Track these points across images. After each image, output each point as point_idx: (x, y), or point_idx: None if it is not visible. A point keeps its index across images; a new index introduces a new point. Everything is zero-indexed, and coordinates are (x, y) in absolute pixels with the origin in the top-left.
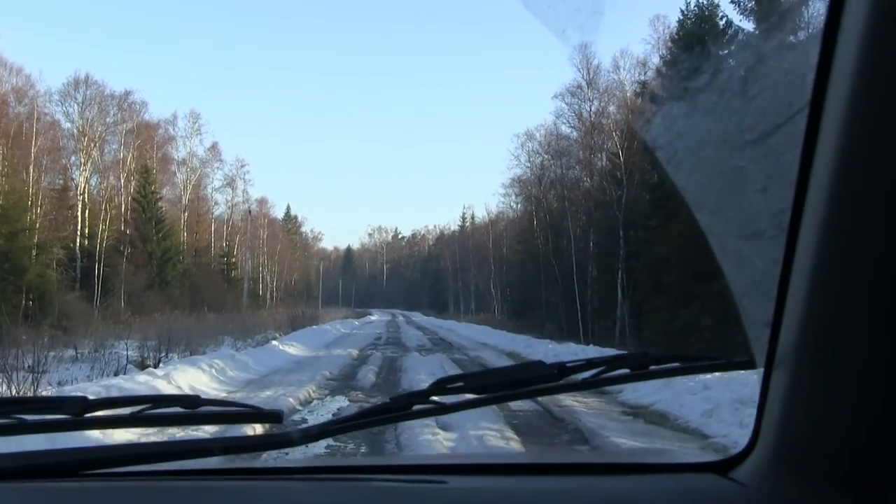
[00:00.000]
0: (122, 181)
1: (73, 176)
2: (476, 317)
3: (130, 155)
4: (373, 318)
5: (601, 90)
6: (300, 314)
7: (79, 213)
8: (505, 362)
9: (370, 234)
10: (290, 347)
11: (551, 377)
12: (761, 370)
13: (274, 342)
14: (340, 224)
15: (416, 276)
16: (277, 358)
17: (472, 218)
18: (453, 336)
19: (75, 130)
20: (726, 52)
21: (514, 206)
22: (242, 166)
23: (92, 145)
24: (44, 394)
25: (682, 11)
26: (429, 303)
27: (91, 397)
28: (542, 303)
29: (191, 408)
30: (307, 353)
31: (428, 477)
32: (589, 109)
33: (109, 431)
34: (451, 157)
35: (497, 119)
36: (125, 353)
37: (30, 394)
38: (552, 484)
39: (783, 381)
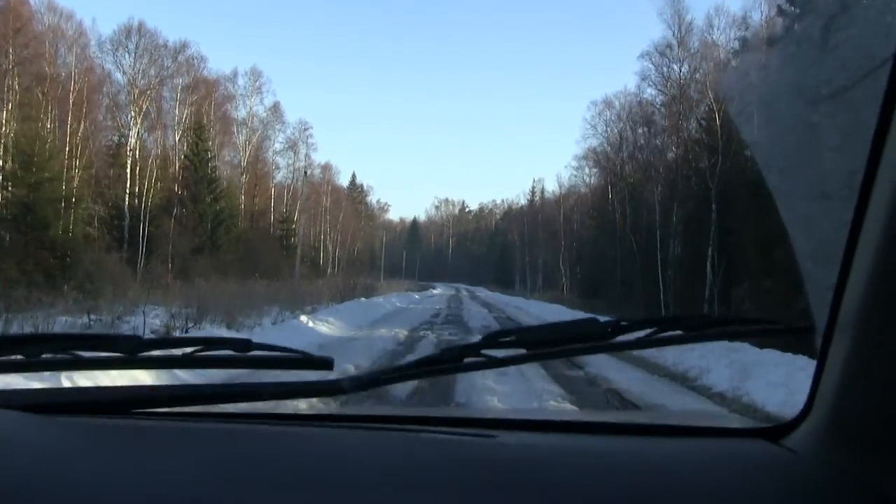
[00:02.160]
0: (177, 138)
1: (128, 132)
2: (544, 294)
3: (186, 111)
4: (435, 291)
5: (693, 50)
6: (351, 285)
7: (128, 170)
8: (600, 361)
9: (437, 207)
10: (324, 325)
11: (605, 335)
12: (820, 336)
13: (303, 318)
14: (407, 195)
15: (483, 250)
16: (296, 342)
17: (542, 192)
18: (524, 315)
19: (125, 81)
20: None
21: (588, 180)
22: (305, 129)
23: (143, 98)
24: None
25: None
26: (494, 278)
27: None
28: (617, 281)
29: (242, 351)
30: (341, 333)
31: (478, 430)
32: (679, 70)
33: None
34: (522, 129)
35: (571, 87)
36: (149, 321)
37: None
38: (601, 443)
39: (843, 349)
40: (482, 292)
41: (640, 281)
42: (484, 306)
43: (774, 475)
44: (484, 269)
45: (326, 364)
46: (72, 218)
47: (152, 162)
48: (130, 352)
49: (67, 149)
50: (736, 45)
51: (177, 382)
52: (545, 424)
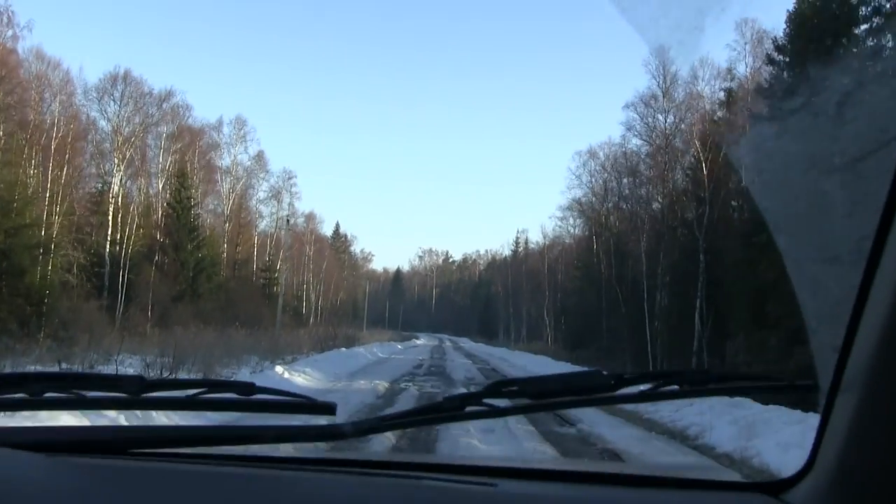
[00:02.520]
0: (161, 186)
1: (111, 180)
2: (528, 345)
3: (170, 159)
4: (418, 342)
5: (678, 101)
6: (332, 334)
7: (110, 218)
8: (593, 417)
9: (420, 257)
10: (301, 377)
11: (608, 387)
12: (824, 396)
13: (278, 368)
14: (391, 245)
15: (466, 301)
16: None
17: (526, 243)
18: (507, 367)
19: (110, 129)
20: (824, 74)
21: (572, 230)
22: (289, 178)
23: (127, 146)
24: None
25: (785, 26)
26: (478, 329)
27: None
28: (602, 332)
29: (245, 394)
30: (318, 385)
31: (477, 478)
32: (664, 121)
33: (163, 413)
34: (506, 179)
35: (556, 138)
36: (123, 370)
37: None
38: (602, 493)
39: (848, 408)
40: (466, 343)
41: (626, 332)
42: (467, 357)
43: None
44: (467, 320)
45: (329, 409)
46: (49, 265)
47: (134, 209)
48: (134, 392)
49: (48, 195)
50: (721, 95)
51: (179, 424)
52: (545, 473)
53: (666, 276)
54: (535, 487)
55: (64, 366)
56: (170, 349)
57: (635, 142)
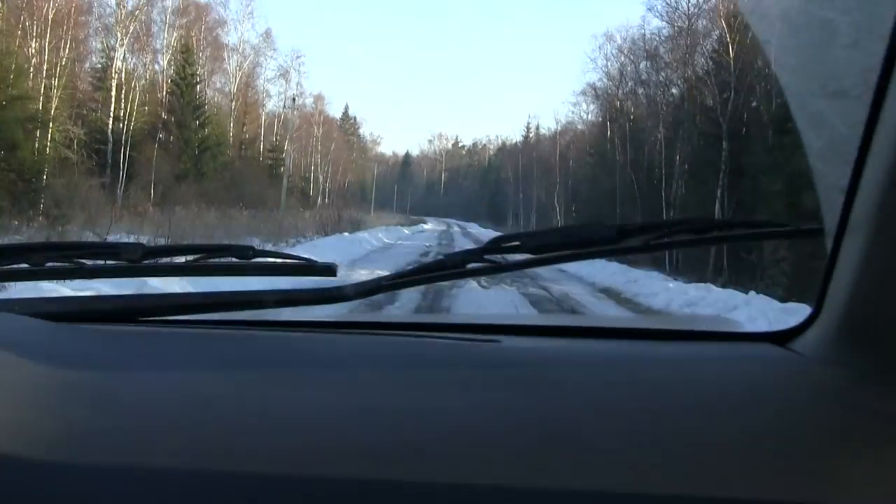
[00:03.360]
0: (165, 62)
1: (114, 55)
2: None
3: (175, 35)
4: (426, 226)
5: None
6: (336, 217)
7: (113, 93)
8: (607, 307)
9: (430, 141)
10: None
11: (611, 239)
12: (830, 239)
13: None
14: (400, 129)
15: (475, 186)
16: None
17: (538, 129)
18: None
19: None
20: None
21: (585, 116)
22: (298, 57)
23: (130, 19)
24: None
25: None
26: (487, 214)
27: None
28: (616, 220)
29: (244, 258)
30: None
31: (482, 336)
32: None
33: (166, 279)
34: (519, 64)
35: (571, 21)
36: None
37: None
38: (606, 346)
39: (854, 250)
40: (474, 228)
41: (640, 220)
42: (476, 244)
43: (782, 377)
44: (476, 205)
45: (329, 270)
46: (48, 140)
47: (134, 85)
48: (134, 260)
49: (45, 67)
50: None
51: (181, 290)
52: (549, 329)
53: (685, 164)
54: (537, 342)
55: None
56: (170, 228)
57: (656, 23)
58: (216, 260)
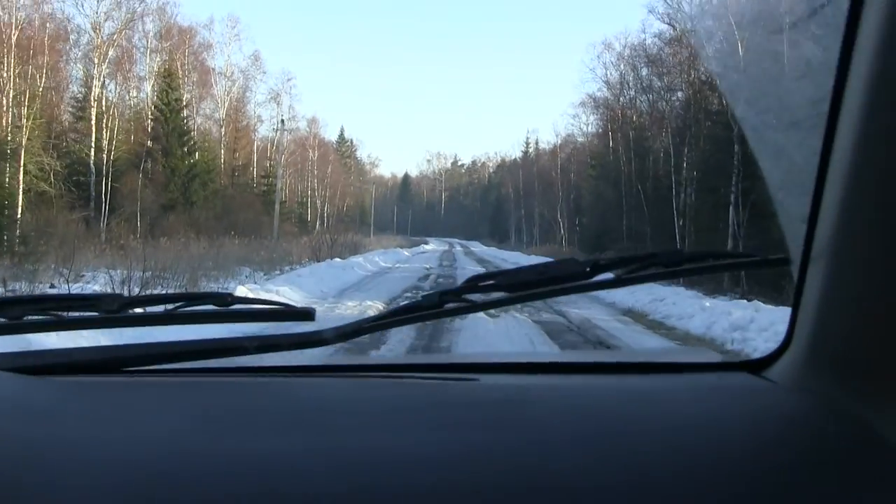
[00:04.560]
0: (149, 89)
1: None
2: (542, 248)
3: (158, 60)
4: (427, 247)
5: None
6: (329, 242)
7: (93, 123)
8: (639, 335)
9: (428, 161)
10: (276, 295)
11: (584, 274)
12: (796, 267)
13: (241, 289)
14: (398, 150)
15: (476, 204)
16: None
17: (537, 143)
18: None
19: (88, 25)
20: None
21: (585, 128)
22: (288, 80)
23: (108, 44)
24: None
25: None
26: (489, 232)
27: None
28: (623, 232)
29: (223, 305)
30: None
31: (461, 375)
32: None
33: (146, 329)
34: (515, 78)
35: (566, 32)
36: (93, 288)
37: None
38: (582, 381)
39: (819, 278)
40: (477, 247)
41: (650, 232)
42: (480, 263)
43: (757, 406)
44: (478, 224)
45: (308, 315)
46: (16, 171)
47: (114, 112)
48: (114, 310)
49: (13, 95)
50: None
51: (161, 340)
52: (526, 366)
53: (693, 170)
54: (513, 379)
55: (9, 287)
56: (154, 263)
57: (658, 26)
58: (195, 308)
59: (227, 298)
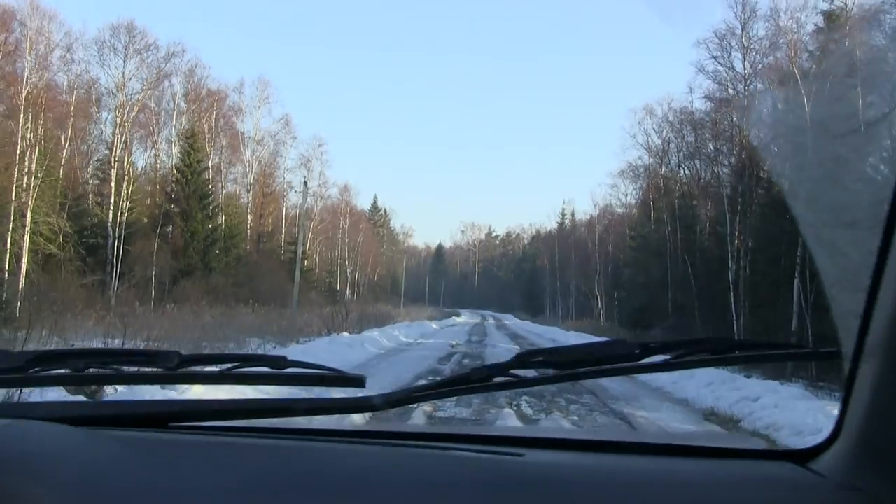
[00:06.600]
0: (175, 152)
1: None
2: (578, 322)
3: (184, 123)
4: (458, 319)
5: (759, 37)
6: (343, 314)
7: (113, 185)
8: None
9: (462, 232)
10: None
11: (633, 356)
12: (848, 362)
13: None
14: (431, 220)
15: (510, 276)
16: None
17: (573, 214)
18: None
19: (113, 84)
20: (836, 35)
21: (624, 198)
22: (320, 146)
23: (131, 106)
24: None
25: None
26: (523, 305)
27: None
28: (668, 308)
29: (277, 368)
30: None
31: (505, 448)
32: (743, 60)
33: (199, 387)
34: (551, 148)
35: (604, 99)
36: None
37: None
38: (627, 462)
39: (871, 374)
40: (510, 320)
41: (699, 309)
42: (514, 341)
43: (803, 499)
44: (512, 296)
45: (359, 382)
46: (25, 233)
47: (129, 171)
48: (171, 367)
49: (18, 153)
50: (815, 23)
51: (214, 398)
52: (572, 443)
53: (748, 240)
54: (559, 457)
55: None
56: (156, 331)
57: (707, 85)
58: (250, 369)
59: (280, 362)
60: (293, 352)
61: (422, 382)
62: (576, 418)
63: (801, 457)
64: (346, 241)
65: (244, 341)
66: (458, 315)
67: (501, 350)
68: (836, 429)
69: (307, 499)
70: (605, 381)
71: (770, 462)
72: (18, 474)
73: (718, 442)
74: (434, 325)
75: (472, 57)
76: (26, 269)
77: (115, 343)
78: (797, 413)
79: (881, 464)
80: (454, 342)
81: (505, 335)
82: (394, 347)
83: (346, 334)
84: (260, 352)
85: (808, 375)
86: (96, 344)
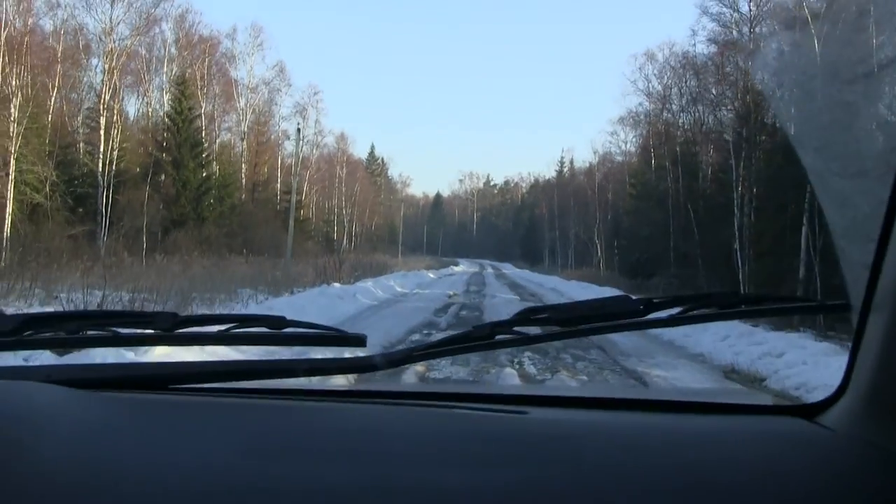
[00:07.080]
0: (166, 100)
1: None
2: (578, 271)
3: (176, 70)
4: (456, 269)
5: None
6: (336, 264)
7: (102, 133)
8: None
9: (460, 181)
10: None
11: (638, 312)
12: (856, 315)
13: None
14: (429, 169)
15: (509, 225)
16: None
17: (572, 162)
18: None
19: (100, 29)
20: None
21: (624, 146)
22: (315, 94)
23: (118, 51)
24: None
25: None
26: (521, 254)
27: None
28: (669, 257)
29: (276, 328)
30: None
31: (509, 407)
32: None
33: (197, 348)
34: (549, 96)
35: (603, 45)
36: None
37: None
38: (633, 419)
39: (880, 326)
40: (508, 269)
41: (700, 255)
42: (514, 290)
43: (812, 453)
44: (510, 245)
45: (359, 341)
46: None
47: (117, 119)
48: (167, 328)
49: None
50: None
51: (213, 359)
52: (576, 401)
53: (753, 187)
54: (563, 414)
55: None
56: (143, 282)
57: (710, 27)
58: (248, 329)
59: (280, 321)
60: (279, 304)
61: (416, 337)
62: (584, 378)
63: (809, 411)
64: (343, 190)
65: (235, 292)
66: (456, 264)
67: (501, 300)
68: (843, 382)
69: (309, 459)
70: (614, 336)
71: (778, 417)
72: (17, 435)
73: (726, 398)
74: (431, 275)
75: (470, 3)
76: (11, 219)
77: (98, 294)
78: (831, 371)
79: (890, 417)
80: (452, 292)
81: (504, 284)
82: (388, 298)
83: (337, 285)
84: (251, 302)
85: (816, 326)
86: (81, 296)
